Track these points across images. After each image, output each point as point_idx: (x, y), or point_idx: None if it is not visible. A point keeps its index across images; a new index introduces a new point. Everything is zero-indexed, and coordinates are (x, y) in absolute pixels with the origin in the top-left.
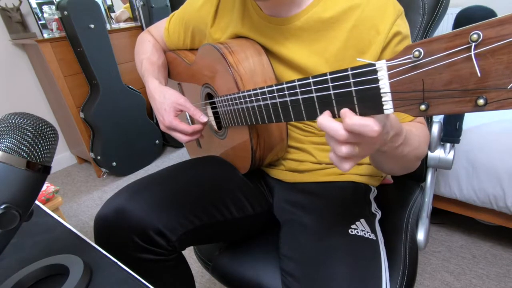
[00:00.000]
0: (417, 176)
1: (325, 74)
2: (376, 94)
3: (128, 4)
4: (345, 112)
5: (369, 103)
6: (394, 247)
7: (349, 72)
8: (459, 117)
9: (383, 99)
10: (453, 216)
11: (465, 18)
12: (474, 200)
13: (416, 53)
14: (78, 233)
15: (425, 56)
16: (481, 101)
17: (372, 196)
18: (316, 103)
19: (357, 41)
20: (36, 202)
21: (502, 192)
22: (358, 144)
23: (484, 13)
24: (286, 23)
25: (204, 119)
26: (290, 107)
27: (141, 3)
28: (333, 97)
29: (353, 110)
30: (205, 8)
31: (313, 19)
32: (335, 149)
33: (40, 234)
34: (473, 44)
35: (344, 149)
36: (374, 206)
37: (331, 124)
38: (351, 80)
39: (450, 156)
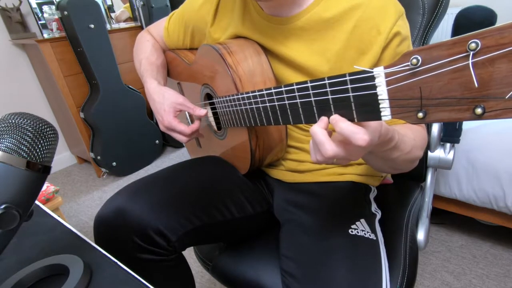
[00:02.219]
0: (417, 176)
1: (323, 79)
2: (374, 101)
3: (128, 4)
4: (336, 116)
5: (367, 109)
6: (394, 247)
7: (347, 78)
8: None
9: (381, 106)
10: (453, 216)
11: (465, 18)
12: (474, 200)
13: (414, 60)
14: (78, 233)
15: (423, 63)
16: (478, 110)
17: (372, 196)
18: (314, 107)
19: (358, 41)
20: (36, 202)
21: (502, 192)
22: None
23: (484, 13)
24: (287, 22)
25: (203, 112)
26: (288, 110)
27: (141, 3)
28: (331, 102)
29: (351, 115)
30: (205, 8)
31: (314, 19)
32: (315, 153)
33: (40, 234)
34: (471, 52)
35: (321, 159)
36: (374, 206)
37: (322, 138)
38: (349, 86)
39: (450, 156)
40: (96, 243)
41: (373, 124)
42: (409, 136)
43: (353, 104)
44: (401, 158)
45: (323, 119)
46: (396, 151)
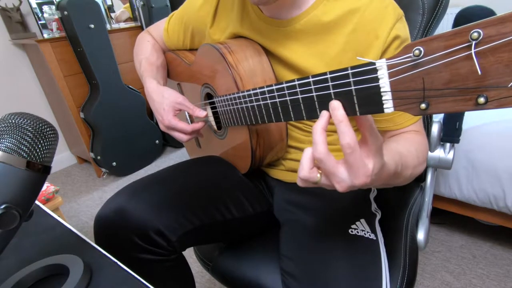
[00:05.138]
0: (417, 176)
1: (325, 73)
2: (376, 93)
3: (128, 4)
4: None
5: (370, 102)
6: (394, 247)
7: (349, 71)
8: (459, 117)
9: (383, 98)
10: (453, 216)
11: (465, 18)
12: (474, 200)
13: (417, 51)
14: (78, 233)
15: (425, 54)
16: (481, 100)
17: (372, 196)
18: (316, 103)
19: (356, 45)
20: (36, 202)
21: (502, 192)
22: (323, 174)
23: (483, 13)
24: (285, 25)
25: (203, 113)
26: (290, 106)
27: (141, 3)
28: (333, 96)
29: (353, 109)
30: (204, 9)
31: (312, 22)
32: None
33: (40, 234)
34: (474, 42)
35: (303, 172)
36: (374, 206)
37: (317, 139)
38: (351, 79)
39: (450, 156)
40: (96, 243)
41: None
42: (413, 154)
43: (355, 97)
44: (405, 179)
45: (325, 114)
46: (398, 177)
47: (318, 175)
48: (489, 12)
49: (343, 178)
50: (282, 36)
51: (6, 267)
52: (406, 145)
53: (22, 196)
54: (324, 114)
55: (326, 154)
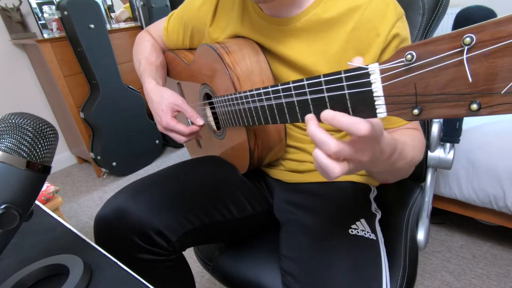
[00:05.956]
0: (417, 176)
1: (319, 77)
2: (369, 98)
3: (128, 4)
4: (330, 112)
5: (362, 106)
6: (394, 247)
7: (343, 75)
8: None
9: (376, 103)
10: (453, 216)
11: (465, 18)
12: (474, 200)
13: (409, 56)
14: (78, 233)
15: (418, 59)
16: (474, 106)
17: (372, 196)
18: (311, 105)
19: (356, 43)
20: (36, 202)
21: (502, 192)
22: (348, 161)
23: (483, 13)
24: (286, 24)
25: (200, 122)
26: (285, 109)
27: (141, 3)
28: (327, 100)
29: (347, 113)
30: (204, 8)
31: (313, 20)
32: (320, 159)
33: (40, 234)
34: (466, 47)
35: (338, 170)
36: (374, 206)
37: (323, 136)
38: (345, 83)
39: (450, 156)
40: (96, 243)
41: (374, 119)
42: (409, 143)
43: (348, 101)
44: (406, 166)
45: (312, 117)
46: (401, 160)
47: (345, 164)
48: (489, 12)
49: (362, 148)
50: (282, 34)
51: (6, 267)
52: (402, 137)
53: (22, 196)
54: (310, 117)
55: (338, 144)
